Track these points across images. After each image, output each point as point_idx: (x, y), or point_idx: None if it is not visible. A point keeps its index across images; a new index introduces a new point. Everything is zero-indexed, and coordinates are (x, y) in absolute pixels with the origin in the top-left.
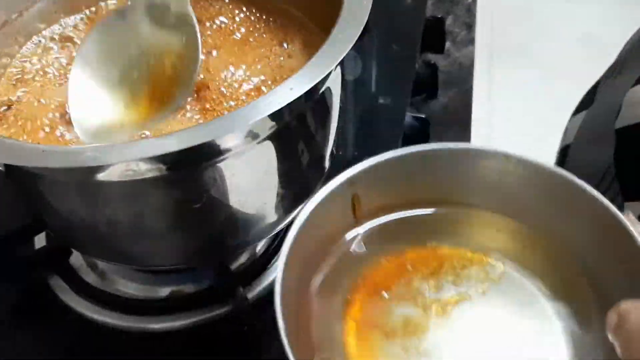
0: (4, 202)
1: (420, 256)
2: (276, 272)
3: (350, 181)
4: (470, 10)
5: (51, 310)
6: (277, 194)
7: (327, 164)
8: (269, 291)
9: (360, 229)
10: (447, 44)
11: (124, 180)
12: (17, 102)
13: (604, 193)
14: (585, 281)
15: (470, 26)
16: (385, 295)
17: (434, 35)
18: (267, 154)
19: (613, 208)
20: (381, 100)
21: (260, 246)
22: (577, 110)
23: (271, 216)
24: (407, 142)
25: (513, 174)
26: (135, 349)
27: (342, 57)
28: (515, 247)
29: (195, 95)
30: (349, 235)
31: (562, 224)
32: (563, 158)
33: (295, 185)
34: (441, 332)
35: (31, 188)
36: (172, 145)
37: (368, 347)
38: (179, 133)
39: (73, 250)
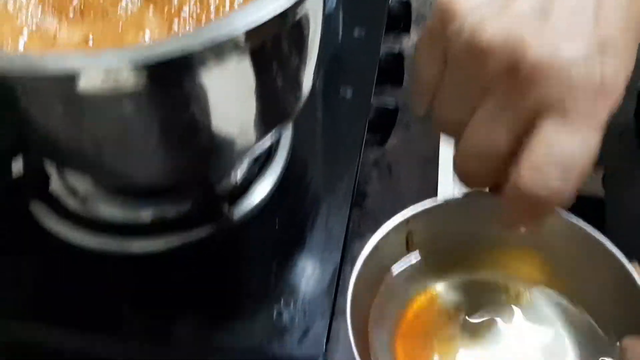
0: None
1: (452, 284)
2: (259, 194)
3: (407, 220)
4: None
5: (32, 236)
6: (259, 111)
7: (306, 90)
8: (252, 212)
9: (409, 260)
10: None
11: (105, 92)
12: None
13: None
14: (594, 318)
15: None
16: (425, 317)
17: None
18: (250, 67)
19: (628, 265)
20: (355, 34)
21: (240, 174)
22: None
23: (252, 134)
24: (382, 77)
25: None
26: (118, 273)
27: None
28: (539, 278)
29: None
30: (400, 265)
31: (582, 266)
32: None
33: (275, 103)
34: (472, 347)
35: (11, 103)
36: (154, 52)
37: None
38: (160, 42)
39: (51, 178)
